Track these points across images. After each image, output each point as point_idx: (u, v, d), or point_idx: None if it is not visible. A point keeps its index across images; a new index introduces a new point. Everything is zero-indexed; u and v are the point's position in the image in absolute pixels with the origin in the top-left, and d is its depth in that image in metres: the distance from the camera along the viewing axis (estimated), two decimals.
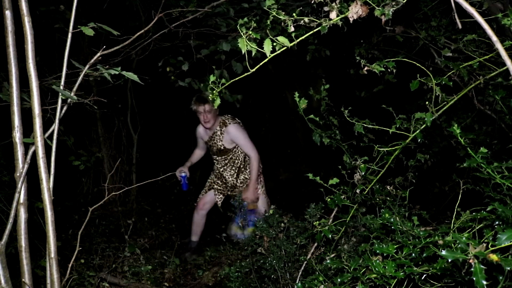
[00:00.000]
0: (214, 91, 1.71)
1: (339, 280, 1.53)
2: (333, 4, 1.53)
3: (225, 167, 3.69)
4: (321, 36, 1.63)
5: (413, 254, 1.41)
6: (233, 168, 3.68)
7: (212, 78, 1.70)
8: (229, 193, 3.72)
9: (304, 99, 2.07)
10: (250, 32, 1.53)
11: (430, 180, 4.64)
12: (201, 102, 3.42)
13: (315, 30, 1.59)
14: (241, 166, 3.69)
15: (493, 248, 1.04)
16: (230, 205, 3.94)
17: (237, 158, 3.66)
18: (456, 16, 1.24)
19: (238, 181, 3.70)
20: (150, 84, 3.64)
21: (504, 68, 1.85)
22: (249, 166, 3.60)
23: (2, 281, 1.47)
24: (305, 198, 3.69)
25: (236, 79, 1.79)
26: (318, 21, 1.56)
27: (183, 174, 3.68)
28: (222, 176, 3.73)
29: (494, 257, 1.00)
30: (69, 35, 1.57)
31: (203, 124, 3.55)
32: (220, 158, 3.68)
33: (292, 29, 1.57)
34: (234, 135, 3.51)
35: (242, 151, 3.62)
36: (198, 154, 3.90)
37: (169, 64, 3.72)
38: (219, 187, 3.74)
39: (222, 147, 3.58)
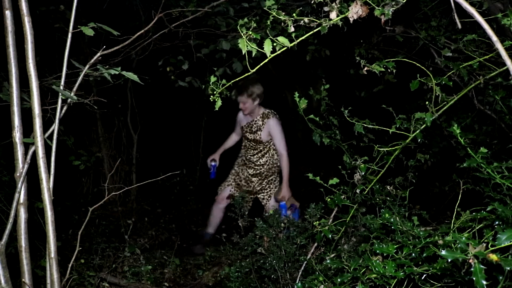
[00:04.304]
0: (215, 92, 1.71)
1: (339, 280, 1.53)
2: (333, 4, 1.53)
3: (255, 153, 3.76)
4: (321, 36, 1.63)
5: (413, 254, 1.41)
6: (262, 157, 3.75)
7: (213, 79, 1.70)
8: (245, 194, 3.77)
9: (304, 99, 2.07)
10: (250, 33, 1.53)
11: (430, 180, 4.64)
12: (239, 93, 3.60)
13: (315, 30, 1.59)
14: (270, 160, 3.76)
15: (493, 248, 1.04)
16: (231, 205, 3.96)
17: (268, 153, 3.74)
18: (456, 16, 1.24)
19: (262, 167, 3.75)
20: (150, 84, 3.64)
21: (504, 68, 1.85)
22: (280, 164, 3.69)
23: (2, 281, 1.47)
24: (305, 198, 3.69)
25: (237, 79, 1.79)
26: (318, 21, 1.56)
27: (213, 163, 3.78)
28: (249, 161, 3.77)
29: (494, 257, 1.00)
30: (69, 35, 1.57)
31: (243, 111, 3.70)
32: (251, 144, 3.76)
33: (292, 29, 1.57)
34: (272, 128, 3.63)
35: (275, 149, 3.72)
36: (233, 139, 4.01)
37: (169, 63, 3.72)
38: (237, 184, 3.80)
39: (258, 137, 3.69)
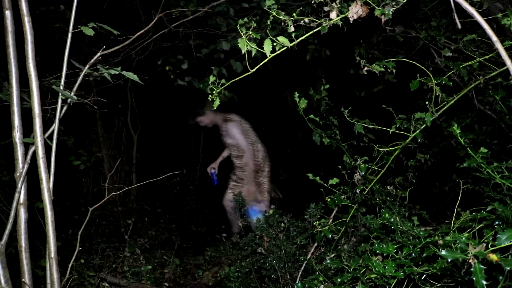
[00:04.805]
0: (214, 92, 1.71)
1: (339, 280, 1.53)
2: (333, 4, 1.53)
3: (234, 156, 3.88)
4: (321, 36, 1.63)
5: (413, 254, 1.41)
6: (241, 159, 3.85)
7: (212, 78, 1.70)
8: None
9: (304, 99, 2.07)
10: (250, 32, 1.53)
11: (430, 180, 4.64)
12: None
13: (315, 30, 1.59)
14: (250, 161, 3.82)
15: (493, 248, 1.04)
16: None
17: (245, 155, 3.80)
18: (456, 16, 1.24)
19: (247, 167, 3.84)
20: (150, 84, 3.64)
21: (504, 68, 1.85)
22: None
23: (2, 281, 1.47)
24: (305, 198, 3.69)
25: (236, 79, 1.79)
26: (318, 21, 1.56)
27: (212, 171, 4.04)
28: (235, 165, 3.89)
29: (494, 257, 1.00)
30: (69, 35, 1.57)
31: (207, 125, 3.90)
32: (229, 148, 3.90)
33: (292, 29, 1.57)
34: (230, 131, 3.75)
35: (253, 149, 3.79)
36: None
37: (168, 63, 3.72)
38: (235, 186, 3.88)
39: (226, 142, 3.83)
